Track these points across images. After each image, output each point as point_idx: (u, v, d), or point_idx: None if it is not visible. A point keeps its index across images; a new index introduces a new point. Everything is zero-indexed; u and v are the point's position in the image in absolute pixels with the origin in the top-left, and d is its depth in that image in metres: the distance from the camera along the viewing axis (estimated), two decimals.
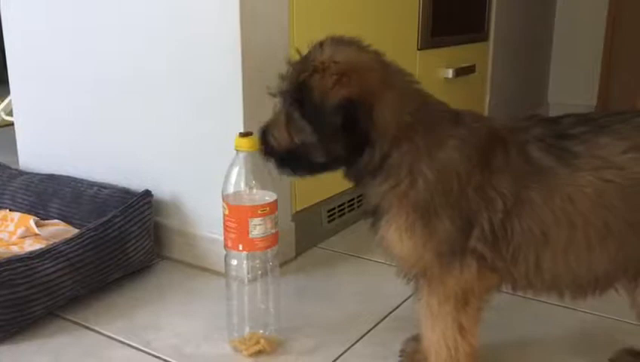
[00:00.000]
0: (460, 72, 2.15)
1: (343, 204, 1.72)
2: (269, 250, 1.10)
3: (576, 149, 0.86)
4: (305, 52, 0.93)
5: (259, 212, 1.06)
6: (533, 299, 1.25)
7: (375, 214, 0.94)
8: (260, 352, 1.11)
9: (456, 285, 0.91)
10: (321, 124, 0.89)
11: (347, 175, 0.97)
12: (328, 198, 1.64)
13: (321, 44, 0.92)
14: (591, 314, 1.25)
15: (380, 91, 0.89)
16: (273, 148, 0.96)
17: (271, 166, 0.99)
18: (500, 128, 0.91)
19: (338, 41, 0.92)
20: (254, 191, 1.08)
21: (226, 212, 1.08)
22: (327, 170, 0.96)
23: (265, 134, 0.97)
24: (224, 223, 1.09)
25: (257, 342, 1.12)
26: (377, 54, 0.94)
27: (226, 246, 1.10)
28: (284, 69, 0.95)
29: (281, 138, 0.95)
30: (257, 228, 1.06)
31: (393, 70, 0.94)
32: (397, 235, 0.91)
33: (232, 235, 1.08)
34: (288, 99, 0.93)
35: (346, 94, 0.87)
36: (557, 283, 0.91)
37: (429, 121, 0.91)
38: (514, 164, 0.88)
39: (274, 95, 0.95)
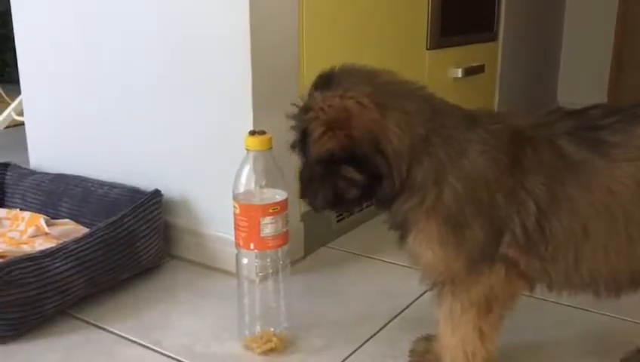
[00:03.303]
0: (470, 72, 2.15)
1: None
2: (279, 248, 1.10)
3: (612, 139, 0.84)
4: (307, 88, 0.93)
5: (270, 211, 1.06)
6: (548, 301, 1.24)
7: (402, 228, 0.92)
8: (271, 350, 1.11)
9: (481, 292, 0.89)
10: (326, 170, 0.90)
11: (378, 205, 0.97)
12: None
13: (311, 92, 0.91)
14: (606, 315, 1.24)
15: (379, 124, 0.86)
16: (307, 191, 0.96)
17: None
18: (524, 126, 0.89)
19: (326, 83, 0.90)
20: (265, 190, 1.08)
21: (237, 211, 1.08)
22: (360, 203, 0.95)
23: (300, 183, 0.97)
24: (235, 222, 1.09)
25: (269, 340, 1.12)
26: (373, 79, 0.91)
27: (237, 245, 1.10)
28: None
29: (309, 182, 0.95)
30: (269, 226, 1.07)
31: (394, 89, 0.91)
32: (429, 248, 0.89)
33: (244, 234, 1.08)
34: (298, 151, 0.94)
35: (330, 148, 0.87)
36: (595, 278, 0.88)
37: (445, 128, 0.88)
38: (546, 161, 0.85)
39: (291, 148, 0.95)
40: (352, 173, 0.89)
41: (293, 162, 1.01)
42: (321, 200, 0.94)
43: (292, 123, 0.93)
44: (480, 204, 0.86)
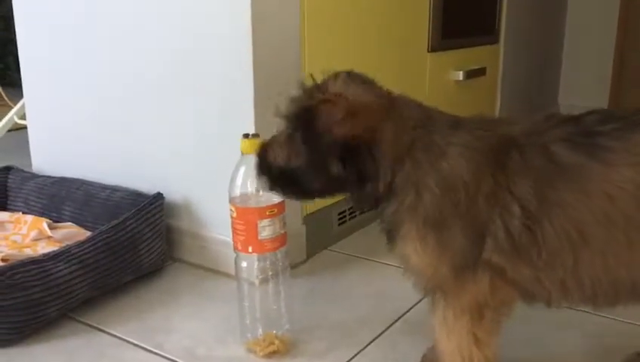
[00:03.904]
0: (471, 75, 2.15)
1: (353, 207, 1.72)
2: (278, 250, 1.10)
3: (609, 145, 0.82)
4: (319, 79, 0.94)
5: (267, 213, 1.06)
6: None
7: (390, 232, 0.93)
8: (274, 353, 1.12)
9: (471, 299, 0.89)
10: (318, 154, 0.90)
11: (353, 202, 0.97)
12: (339, 201, 1.64)
13: (335, 77, 0.92)
14: (606, 317, 1.24)
15: (380, 128, 0.89)
16: (269, 166, 0.96)
17: (263, 182, 0.99)
18: (516, 133, 0.88)
19: (352, 78, 0.92)
20: (261, 192, 1.08)
21: (234, 215, 1.08)
22: (318, 196, 0.97)
23: (264, 151, 0.97)
24: (232, 226, 1.09)
25: (272, 343, 1.12)
26: (384, 92, 0.94)
27: (235, 248, 1.10)
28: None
29: (279, 157, 0.95)
30: (266, 229, 1.07)
31: (397, 103, 0.93)
32: (412, 249, 0.89)
33: (241, 238, 1.08)
34: (293, 121, 0.94)
35: (349, 133, 0.88)
36: (594, 287, 0.86)
37: (430, 134, 0.89)
38: (535, 165, 0.84)
39: (281, 116, 0.95)
40: (339, 168, 0.89)
41: None
42: (292, 185, 0.95)
43: (296, 95, 0.94)
44: (458, 206, 0.86)
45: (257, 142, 1.06)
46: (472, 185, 0.85)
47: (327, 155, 0.89)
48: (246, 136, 1.07)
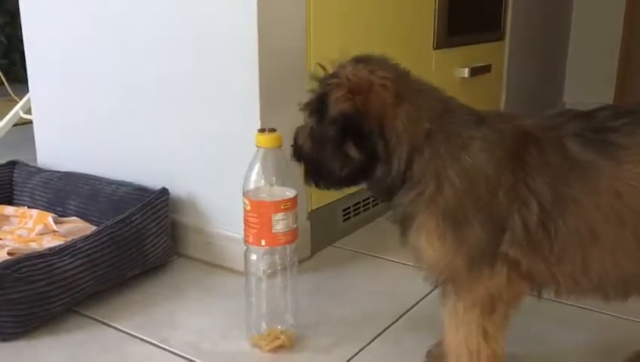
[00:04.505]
0: (476, 72, 2.15)
1: (358, 203, 1.72)
2: (288, 245, 1.10)
3: (620, 141, 0.83)
4: (329, 67, 0.97)
5: (282, 207, 1.07)
6: (550, 300, 1.24)
7: (403, 223, 0.93)
8: (279, 347, 1.12)
9: (484, 292, 0.89)
10: (334, 139, 0.92)
11: (371, 191, 0.99)
12: (343, 197, 1.64)
13: (346, 64, 0.94)
14: (609, 315, 1.24)
15: (391, 108, 0.89)
16: (300, 152, 0.99)
17: (299, 169, 1.02)
18: (532, 127, 0.89)
19: (360, 60, 0.94)
20: (274, 187, 1.08)
21: (248, 208, 1.08)
22: (347, 183, 0.98)
23: (295, 137, 1.00)
24: (245, 219, 1.09)
25: (277, 338, 1.12)
26: (398, 71, 0.94)
27: (246, 241, 1.11)
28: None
29: (304, 145, 0.98)
30: (280, 223, 1.07)
31: (413, 85, 0.94)
32: (428, 243, 0.89)
33: (254, 231, 1.08)
34: (310, 110, 0.96)
35: (343, 109, 0.90)
36: (604, 282, 0.87)
37: (451, 125, 0.90)
38: (551, 161, 0.85)
39: (301, 109, 0.98)
40: (352, 150, 0.91)
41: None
42: (319, 172, 0.97)
43: (313, 85, 0.96)
44: (479, 200, 0.86)
45: (272, 136, 1.06)
46: (494, 179, 0.86)
47: (342, 138, 0.91)
48: (262, 130, 1.08)
